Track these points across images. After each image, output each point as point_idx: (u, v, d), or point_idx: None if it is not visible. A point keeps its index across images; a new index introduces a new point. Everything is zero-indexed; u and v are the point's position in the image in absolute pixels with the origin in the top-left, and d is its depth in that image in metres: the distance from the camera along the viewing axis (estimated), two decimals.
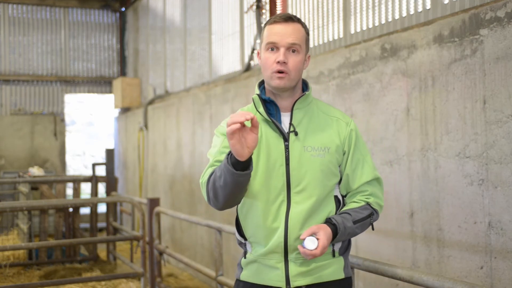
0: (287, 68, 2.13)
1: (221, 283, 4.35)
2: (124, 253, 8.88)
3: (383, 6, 4.27)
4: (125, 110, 11.89)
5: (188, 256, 7.74)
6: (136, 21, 11.66)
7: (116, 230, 8.17)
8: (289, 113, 2.21)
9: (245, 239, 2.25)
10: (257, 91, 2.25)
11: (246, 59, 6.61)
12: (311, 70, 4.95)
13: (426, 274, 2.39)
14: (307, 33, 2.22)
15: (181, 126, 8.48)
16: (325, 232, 2.08)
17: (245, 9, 6.63)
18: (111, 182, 8.22)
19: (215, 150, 2.21)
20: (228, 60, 7.22)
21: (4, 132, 11.65)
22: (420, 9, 3.90)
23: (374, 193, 2.26)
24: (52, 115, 12.07)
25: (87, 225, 9.78)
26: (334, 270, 2.21)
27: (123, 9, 12.58)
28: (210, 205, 2.18)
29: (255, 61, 6.47)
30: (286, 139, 2.17)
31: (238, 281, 2.31)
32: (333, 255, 2.22)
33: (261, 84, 2.28)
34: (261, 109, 2.20)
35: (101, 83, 12.67)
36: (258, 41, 6.30)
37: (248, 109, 2.27)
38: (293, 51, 2.15)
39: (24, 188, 7.73)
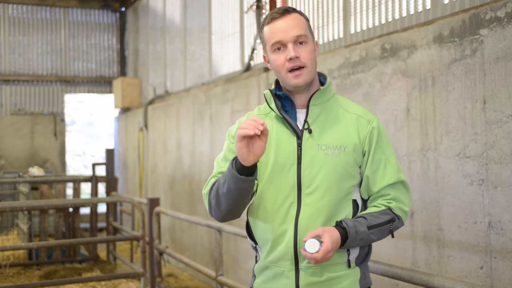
0: (302, 62, 2.00)
1: (221, 283, 4.35)
2: (124, 253, 8.88)
3: (383, 6, 4.27)
4: (125, 110, 11.89)
5: (188, 256, 7.74)
6: (136, 21, 11.66)
7: (116, 230, 8.17)
8: (305, 110, 2.07)
9: (256, 243, 2.12)
10: (273, 87, 2.13)
11: (246, 59, 6.61)
12: None
13: (426, 274, 2.39)
14: (308, 20, 2.09)
15: (181, 126, 8.47)
16: (331, 236, 1.91)
17: (245, 9, 6.63)
18: (111, 182, 8.22)
19: (221, 155, 2.14)
20: (228, 60, 7.22)
21: (4, 132, 11.65)
22: (420, 9, 3.90)
23: (397, 198, 2.07)
24: (52, 115, 12.07)
25: (87, 225, 9.78)
26: (349, 284, 2.03)
27: (123, 9, 12.58)
28: (211, 216, 2.10)
29: (255, 61, 6.47)
30: (299, 137, 2.03)
31: None
32: (349, 266, 2.04)
33: (278, 81, 2.15)
34: (273, 105, 2.07)
35: (101, 83, 12.67)
36: (258, 41, 6.30)
37: (260, 109, 2.17)
38: (301, 42, 2.02)
39: (24, 188, 7.73)
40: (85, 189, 13.03)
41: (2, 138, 11.62)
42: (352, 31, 4.62)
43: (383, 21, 4.26)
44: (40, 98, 12.11)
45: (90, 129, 17.64)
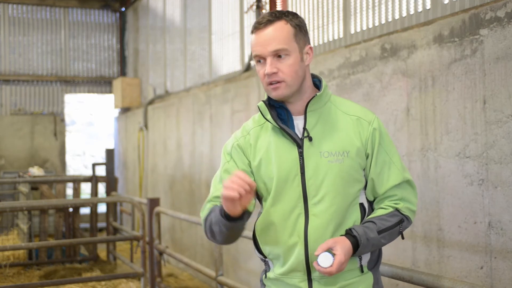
0: (280, 77, 1.95)
1: (221, 283, 4.35)
2: (124, 253, 8.88)
3: (383, 6, 4.27)
4: (125, 110, 11.90)
5: (188, 256, 7.74)
6: (136, 21, 11.66)
7: (116, 230, 8.18)
8: (302, 116, 2.02)
9: (265, 256, 2.08)
10: (266, 97, 2.07)
11: (246, 59, 6.61)
12: (312, 70, 4.94)
13: (426, 274, 2.39)
14: (296, 25, 1.98)
15: (181, 126, 8.48)
16: (343, 247, 1.88)
17: (245, 9, 6.63)
18: (111, 182, 8.22)
19: (217, 175, 2.11)
20: (228, 60, 7.22)
21: (4, 132, 11.65)
22: (420, 9, 3.90)
23: (404, 198, 2.03)
24: (52, 115, 12.07)
25: (87, 225, 9.78)
26: None
27: (123, 9, 12.58)
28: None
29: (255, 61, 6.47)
30: (299, 145, 1.98)
31: None
32: (362, 271, 2.01)
33: None
34: (269, 116, 2.01)
35: (101, 83, 12.67)
36: None
37: (254, 120, 2.12)
38: (280, 56, 1.95)
39: (24, 188, 7.73)
40: (85, 189, 13.03)
41: (2, 138, 11.62)
42: (352, 31, 4.62)
43: (383, 21, 4.26)
44: (40, 98, 12.11)
45: (90, 129, 17.64)
